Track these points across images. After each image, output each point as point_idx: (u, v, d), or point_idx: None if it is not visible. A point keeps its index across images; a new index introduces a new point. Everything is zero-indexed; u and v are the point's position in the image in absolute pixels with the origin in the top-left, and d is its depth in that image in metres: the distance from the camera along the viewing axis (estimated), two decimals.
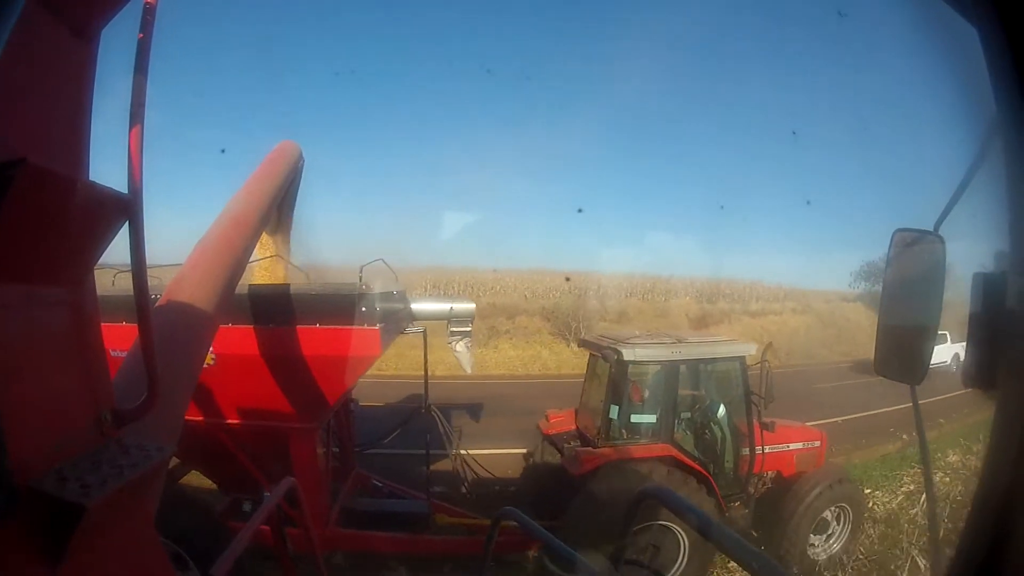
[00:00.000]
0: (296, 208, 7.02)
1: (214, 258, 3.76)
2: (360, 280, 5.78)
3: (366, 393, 8.66)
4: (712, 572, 6.97)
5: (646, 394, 7.22)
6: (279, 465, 5.84)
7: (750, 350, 7.40)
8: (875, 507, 8.87)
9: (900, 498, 9.12)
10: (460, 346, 6.88)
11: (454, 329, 6.86)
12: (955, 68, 1.43)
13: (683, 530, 6.38)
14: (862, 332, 28.29)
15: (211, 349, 5.32)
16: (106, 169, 1.56)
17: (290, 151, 6.24)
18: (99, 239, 1.48)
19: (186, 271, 3.61)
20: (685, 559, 6.59)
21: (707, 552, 6.50)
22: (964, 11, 1.23)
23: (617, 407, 7.05)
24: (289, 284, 6.34)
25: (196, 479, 7.46)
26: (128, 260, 1.52)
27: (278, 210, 6.14)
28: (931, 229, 1.66)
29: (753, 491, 7.39)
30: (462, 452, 8.71)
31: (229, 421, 5.93)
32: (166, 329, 2.87)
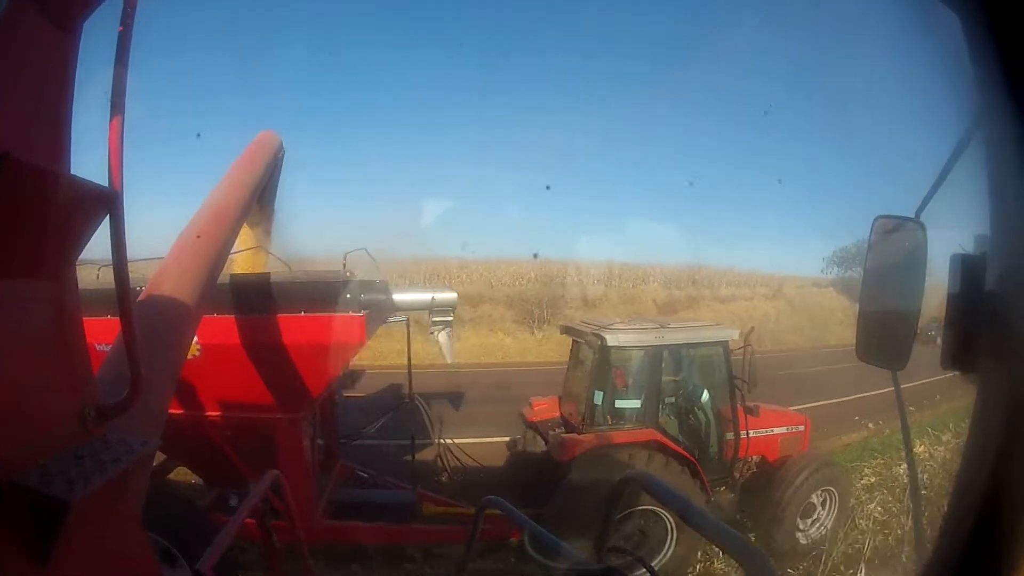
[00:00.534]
0: (277, 199, 6.96)
1: (195, 251, 3.73)
2: (344, 267, 5.76)
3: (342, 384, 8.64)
4: (699, 556, 7.05)
5: (630, 380, 7.26)
6: (265, 458, 5.82)
7: (733, 335, 7.47)
8: None
9: (857, 491, 8.86)
10: (442, 336, 6.86)
11: (436, 319, 6.84)
12: (936, 55, 1.44)
13: (670, 515, 6.45)
14: (833, 318, 28.60)
15: (196, 340, 5.31)
16: (86, 162, 1.55)
17: (270, 142, 6.18)
18: (81, 233, 1.47)
19: (168, 264, 3.59)
20: (673, 544, 6.66)
21: (695, 537, 6.56)
22: None
23: (601, 393, 7.11)
24: (272, 273, 6.29)
25: (183, 475, 7.42)
26: (111, 255, 1.51)
27: (259, 201, 6.08)
28: (912, 216, 1.68)
29: (739, 476, 7.48)
30: (446, 441, 8.70)
31: (214, 414, 5.89)
32: (149, 323, 2.85)
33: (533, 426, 8.16)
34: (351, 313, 5.55)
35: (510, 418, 10.86)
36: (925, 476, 8.83)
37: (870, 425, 12.15)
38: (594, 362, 7.14)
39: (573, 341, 8.23)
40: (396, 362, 15.27)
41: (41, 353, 1.36)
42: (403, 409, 8.37)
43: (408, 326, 7.35)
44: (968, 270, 1.23)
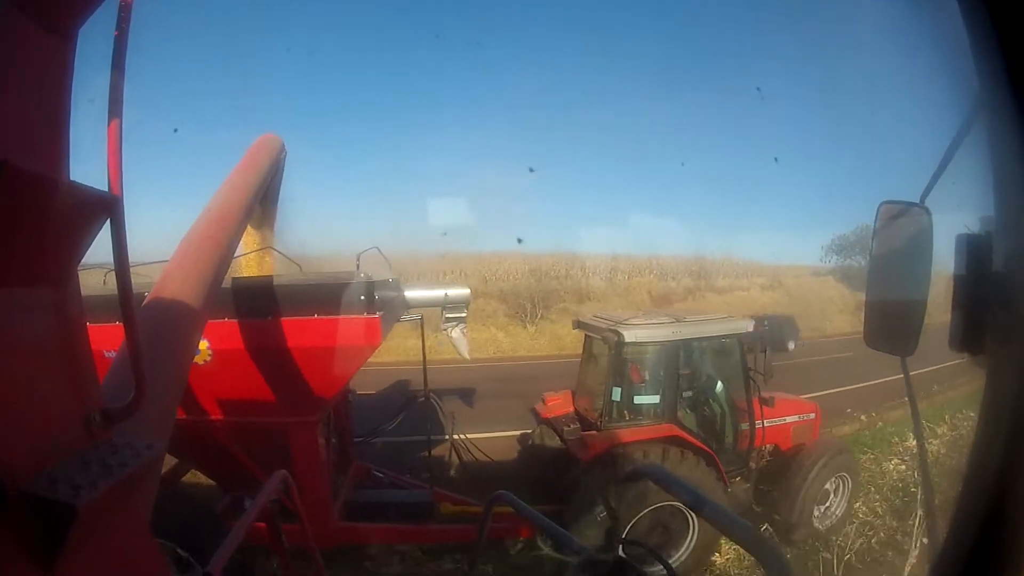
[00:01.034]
0: (280, 200, 6.98)
1: (199, 254, 3.74)
2: (357, 268, 5.74)
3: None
4: (723, 551, 7.03)
5: (647, 375, 7.23)
6: (280, 461, 5.83)
7: (748, 326, 7.42)
8: None
9: None
10: (456, 332, 6.86)
11: (449, 315, 6.83)
12: (935, 39, 1.41)
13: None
14: (832, 307, 28.49)
15: (209, 345, 5.32)
16: (86, 168, 1.55)
17: (271, 144, 6.18)
18: (81, 239, 1.46)
19: (172, 268, 3.60)
20: (695, 538, 6.63)
21: (714, 531, 6.52)
22: None
23: (619, 389, 7.07)
24: (287, 276, 6.27)
25: (198, 479, 7.46)
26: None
27: (261, 204, 6.09)
28: (917, 201, 1.66)
29: (754, 465, 7.47)
30: (461, 437, 8.68)
31: (229, 418, 5.89)
32: (154, 326, 2.86)
33: (547, 422, 8.14)
34: (366, 315, 5.52)
35: (515, 413, 10.84)
36: (916, 474, 8.70)
37: (863, 417, 11.97)
38: (611, 358, 7.09)
39: (586, 336, 8.19)
40: (391, 359, 15.38)
41: (44, 360, 1.35)
42: (412, 406, 8.34)
43: (422, 324, 7.34)
44: (974, 250, 1.21)
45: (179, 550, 4.89)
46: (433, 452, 8.02)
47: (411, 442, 9.21)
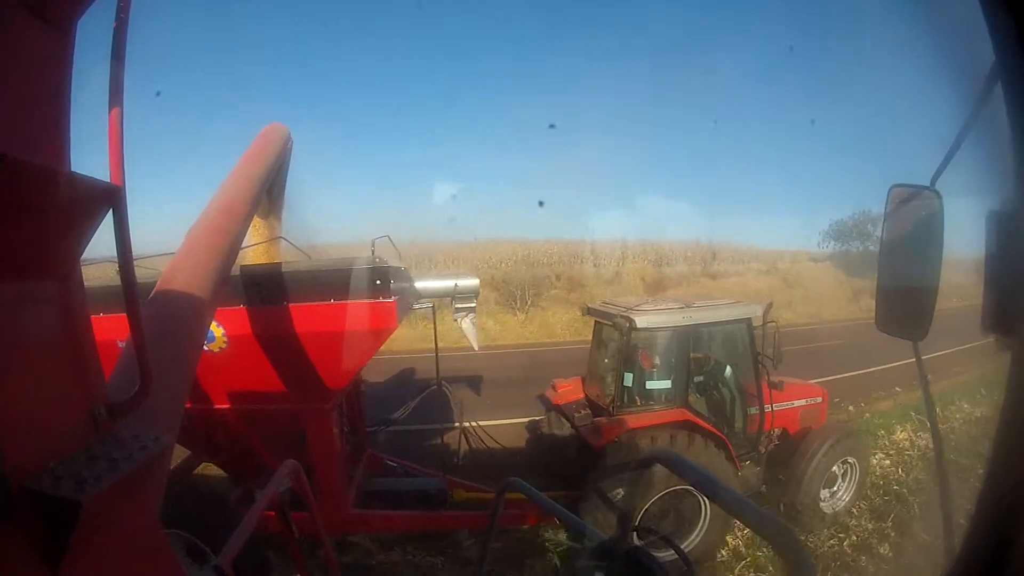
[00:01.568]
0: (287, 189, 6.96)
1: (206, 245, 3.74)
2: (372, 253, 5.71)
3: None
4: (738, 535, 7.02)
5: (658, 360, 7.23)
6: (294, 450, 5.84)
7: (757, 311, 7.43)
8: None
9: None
10: (466, 322, 6.86)
11: (459, 305, 6.83)
12: (947, 18, 1.38)
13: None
14: (829, 293, 28.26)
15: (224, 332, 5.34)
16: (88, 159, 1.55)
17: (278, 133, 6.17)
18: (84, 231, 1.45)
19: (179, 259, 3.60)
20: (707, 523, 6.64)
21: (727, 516, 6.54)
22: None
23: (631, 375, 7.09)
24: (301, 261, 6.27)
25: (212, 471, 7.52)
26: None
27: (268, 194, 6.08)
28: (927, 184, 1.63)
29: (763, 449, 7.48)
30: (472, 424, 8.71)
31: (243, 406, 5.90)
32: (161, 318, 2.86)
33: (558, 408, 8.15)
34: (381, 299, 5.51)
35: (519, 399, 10.78)
36: (901, 470, 8.72)
37: (850, 408, 11.81)
38: (623, 344, 7.09)
39: (595, 322, 8.18)
40: (385, 348, 15.32)
41: (48, 355, 1.34)
42: (426, 394, 8.36)
43: (434, 312, 7.34)
44: (1005, 229, 1.17)
45: (197, 541, 4.95)
46: (444, 439, 8.05)
47: (422, 430, 9.24)
